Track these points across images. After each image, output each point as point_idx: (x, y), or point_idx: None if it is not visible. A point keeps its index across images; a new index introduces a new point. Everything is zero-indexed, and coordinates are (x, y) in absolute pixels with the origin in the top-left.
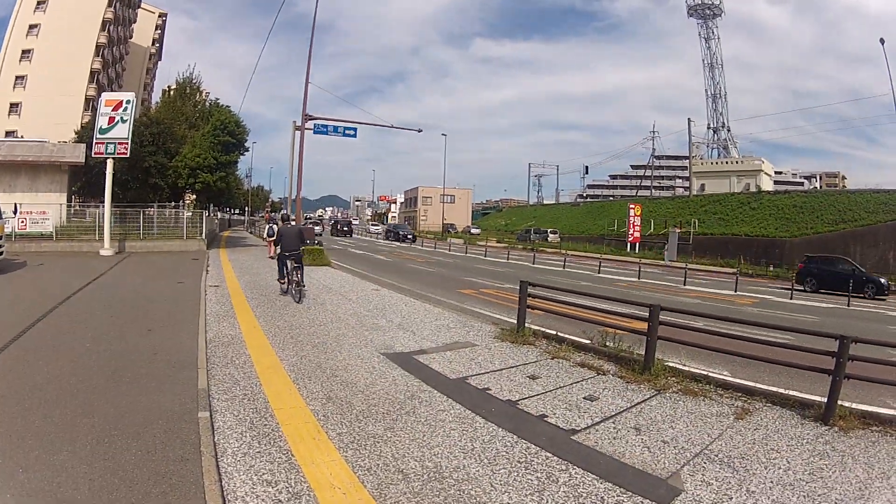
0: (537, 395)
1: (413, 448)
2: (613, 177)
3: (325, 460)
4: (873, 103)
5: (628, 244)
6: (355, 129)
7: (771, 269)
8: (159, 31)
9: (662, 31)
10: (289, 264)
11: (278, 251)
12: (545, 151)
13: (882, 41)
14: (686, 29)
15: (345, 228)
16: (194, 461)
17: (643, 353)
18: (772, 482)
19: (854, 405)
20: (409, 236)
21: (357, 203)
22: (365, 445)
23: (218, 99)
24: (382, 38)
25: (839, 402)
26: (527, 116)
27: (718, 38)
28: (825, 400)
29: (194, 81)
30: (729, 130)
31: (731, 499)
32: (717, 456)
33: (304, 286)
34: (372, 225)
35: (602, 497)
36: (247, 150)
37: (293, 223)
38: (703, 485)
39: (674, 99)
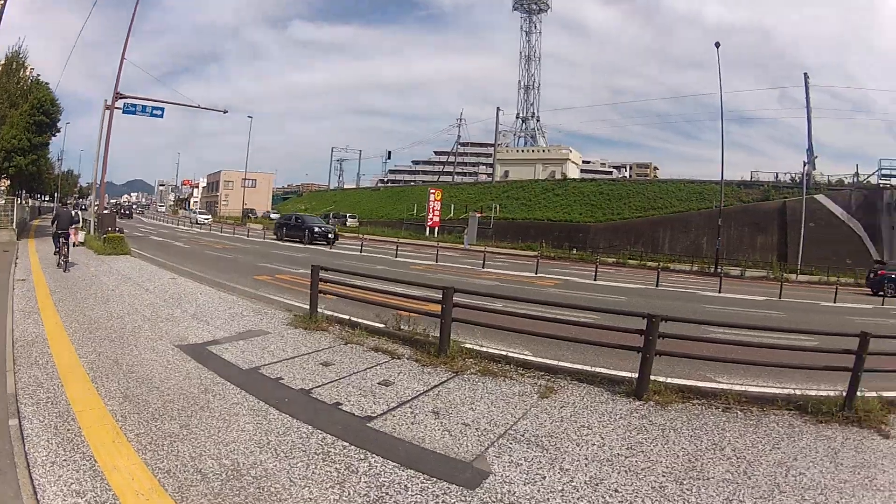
0: (331, 382)
1: (209, 446)
2: (416, 162)
3: (126, 465)
4: (694, 102)
5: (427, 228)
6: (162, 110)
7: (574, 251)
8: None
9: (484, 24)
10: (60, 241)
11: (54, 229)
12: (352, 136)
13: (717, 45)
14: (507, 23)
15: (127, 212)
16: (10, 474)
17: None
18: (587, 459)
19: (671, 380)
20: (330, 235)
21: (161, 188)
22: (162, 446)
23: (39, 75)
24: (203, 14)
25: (653, 378)
26: (337, 101)
27: (540, 33)
28: (636, 376)
29: (20, 56)
30: (538, 120)
31: (545, 478)
32: (523, 436)
33: (69, 259)
34: (200, 214)
35: (405, 485)
36: (58, 131)
37: (68, 208)
38: (511, 466)
39: (488, 90)
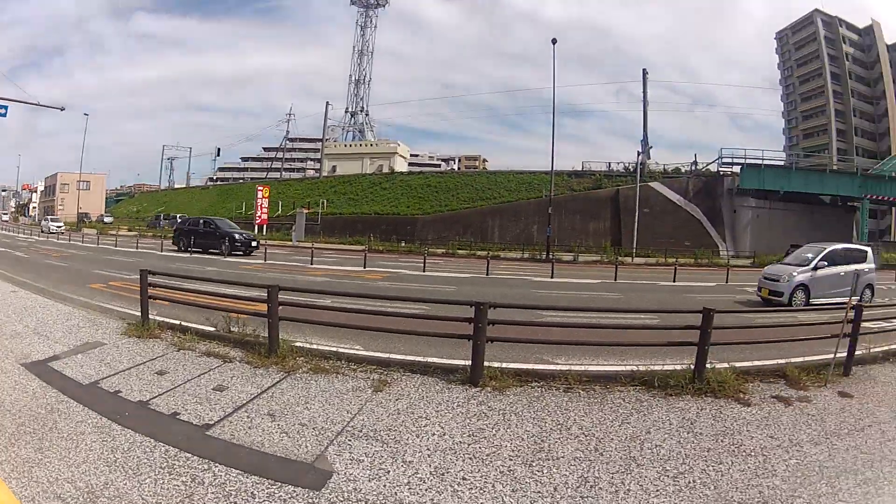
0: (167, 391)
1: (63, 468)
2: (245, 159)
3: None
4: (528, 96)
5: (256, 226)
6: (6, 108)
7: (403, 244)
8: None
9: (321, 17)
10: None
11: None
12: (186, 133)
13: (554, 41)
14: (344, 17)
15: None
16: None
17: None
18: (429, 450)
19: (507, 365)
20: (254, 243)
21: (3, 193)
22: (23, 472)
23: None
24: (51, 5)
25: (487, 364)
26: (171, 97)
27: (375, 27)
28: (469, 363)
29: None
30: (367, 115)
31: (389, 472)
32: (361, 431)
33: None
34: (52, 221)
35: (252, 493)
36: None
37: None
38: (353, 463)
39: (321, 84)
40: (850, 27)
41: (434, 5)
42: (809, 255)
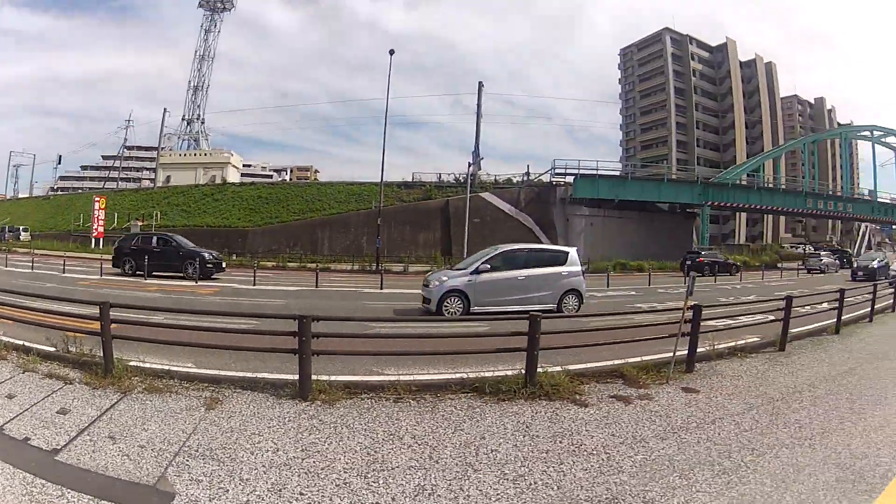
0: (17, 415)
1: None
2: (84, 167)
3: None
4: (360, 106)
5: (93, 240)
6: None
7: (234, 257)
8: None
9: (168, 19)
10: None
11: None
12: (35, 138)
13: (391, 52)
14: (190, 19)
15: None
16: None
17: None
18: (264, 466)
19: (336, 377)
20: (223, 264)
21: None
22: None
23: None
24: None
25: (316, 377)
26: (22, 98)
27: (219, 32)
28: (297, 378)
29: None
30: (203, 123)
31: (228, 491)
32: (197, 451)
33: None
34: None
35: None
36: None
37: None
38: (193, 483)
39: (164, 89)
40: (702, 45)
41: (276, 11)
42: (473, 259)
